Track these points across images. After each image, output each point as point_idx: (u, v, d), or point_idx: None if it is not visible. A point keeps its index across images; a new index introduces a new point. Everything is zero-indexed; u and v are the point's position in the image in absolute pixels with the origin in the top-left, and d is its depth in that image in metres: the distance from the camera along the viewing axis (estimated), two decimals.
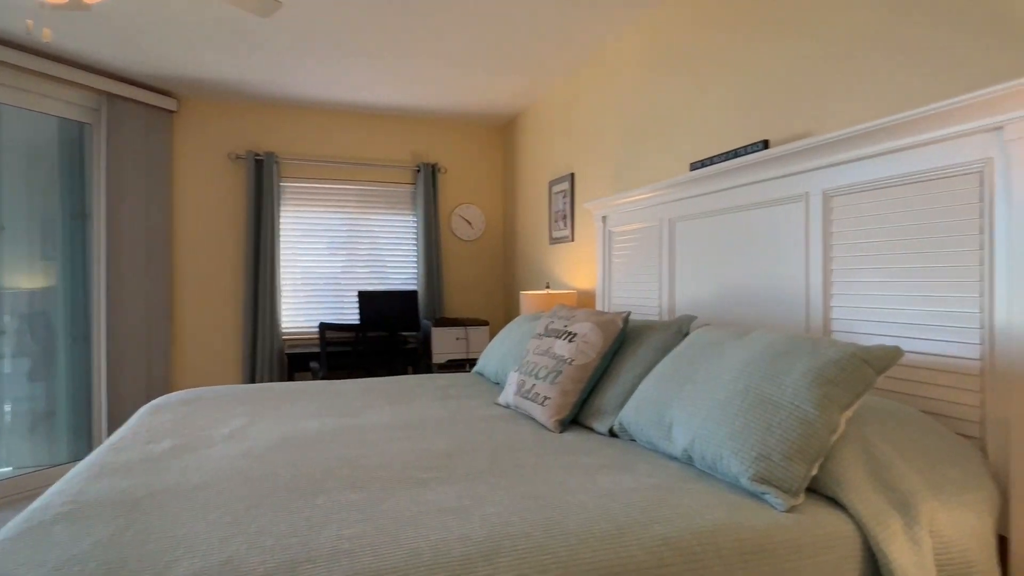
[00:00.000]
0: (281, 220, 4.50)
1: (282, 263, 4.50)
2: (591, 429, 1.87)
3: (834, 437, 1.27)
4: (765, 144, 2.05)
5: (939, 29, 1.61)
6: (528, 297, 3.43)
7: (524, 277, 4.64)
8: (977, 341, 1.43)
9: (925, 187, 1.56)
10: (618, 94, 3.23)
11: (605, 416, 1.84)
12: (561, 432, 1.84)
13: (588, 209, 3.27)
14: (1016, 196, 1.34)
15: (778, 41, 2.15)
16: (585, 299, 3.56)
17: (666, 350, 1.91)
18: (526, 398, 1.99)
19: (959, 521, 1.26)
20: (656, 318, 2.68)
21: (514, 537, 1.08)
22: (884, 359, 1.32)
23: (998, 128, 1.38)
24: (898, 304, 1.62)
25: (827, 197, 1.83)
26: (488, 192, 5.07)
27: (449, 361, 4.17)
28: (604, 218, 3.11)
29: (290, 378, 4.31)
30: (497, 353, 2.72)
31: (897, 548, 1.15)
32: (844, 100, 1.89)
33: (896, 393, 1.62)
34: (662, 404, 1.60)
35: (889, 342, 1.64)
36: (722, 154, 2.23)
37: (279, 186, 4.47)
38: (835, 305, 1.81)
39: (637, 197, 2.74)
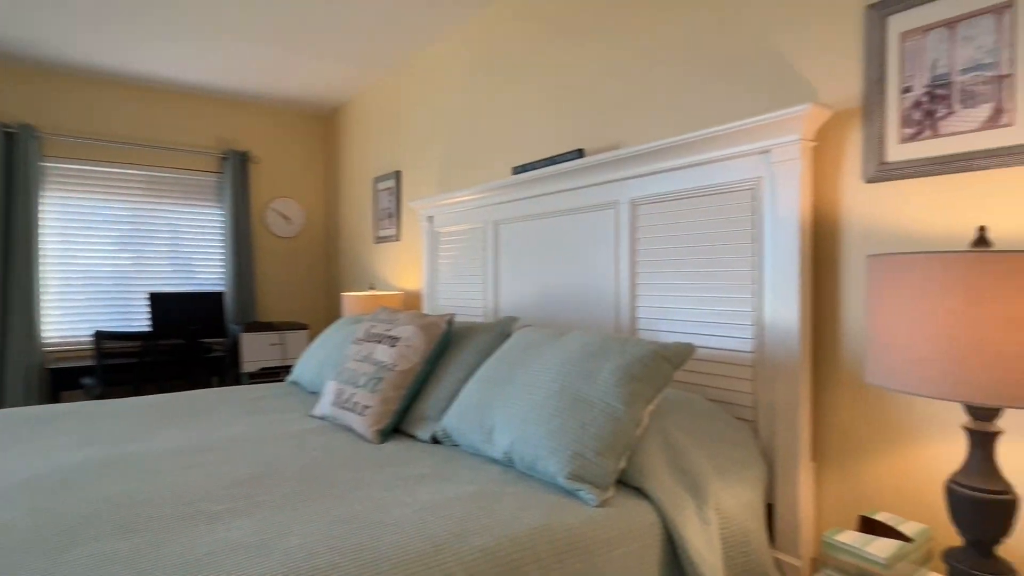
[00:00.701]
0: (43, 207, 3.73)
1: (45, 260, 3.73)
2: (414, 437, 1.80)
3: (639, 431, 1.35)
4: (580, 153, 2.16)
5: (727, 63, 1.82)
6: (350, 299, 3.25)
7: (348, 277, 4.41)
8: (750, 336, 1.64)
9: (711, 200, 1.74)
10: (446, 93, 3.20)
11: (428, 423, 1.78)
12: (381, 443, 1.74)
13: (414, 208, 3.19)
14: (780, 210, 1.55)
15: (592, 53, 2.28)
16: (412, 300, 3.48)
17: (489, 352, 1.91)
18: (344, 408, 1.86)
19: (739, 496, 1.42)
20: (481, 319, 2.69)
21: (320, 571, 0.97)
22: (680, 355, 1.45)
23: (766, 151, 1.59)
24: (691, 304, 1.80)
25: (634, 206, 1.98)
26: (308, 186, 4.73)
27: (263, 370, 3.80)
28: (430, 218, 3.06)
29: (54, 399, 3.59)
30: (315, 360, 2.52)
31: (691, 529, 1.26)
32: (648, 116, 2.06)
33: (688, 384, 1.80)
34: (484, 407, 1.58)
35: (684, 339, 1.82)
36: (541, 160, 2.30)
37: (39, 166, 3.69)
38: (640, 305, 1.96)
39: (463, 198, 2.73)
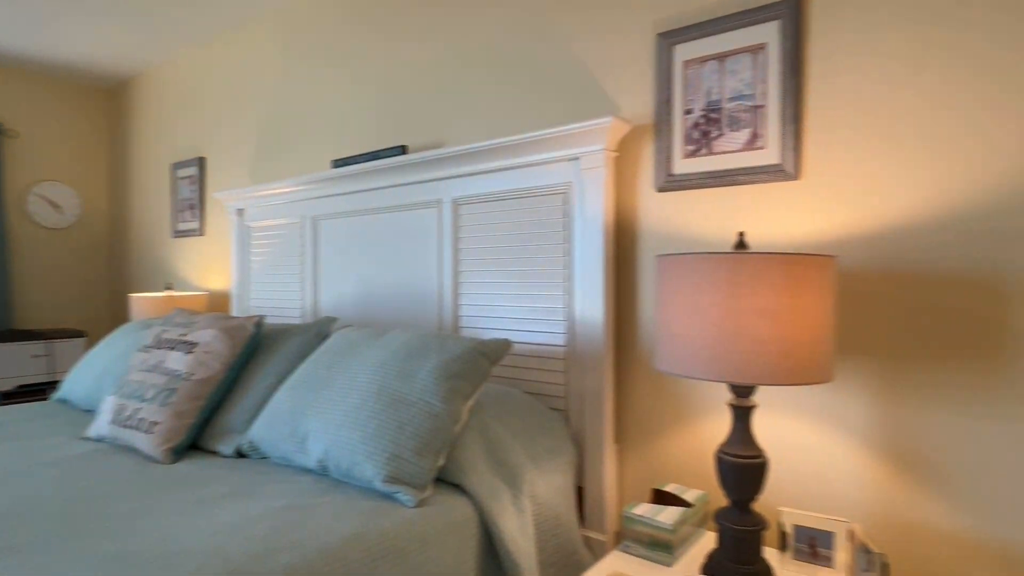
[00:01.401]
0: None
1: None
2: (215, 453, 1.62)
3: (458, 427, 1.36)
4: (403, 149, 2.13)
5: (541, 73, 1.92)
6: (141, 301, 2.84)
7: (139, 276, 3.85)
8: (563, 331, 1.75)
9: (528, 202, 1.83)
10: (258, 76, 2.95)
11: (232, 435, 1.62)
12: (173, 462, 1.54)
13: (221, 200, 2.89)
14: (587, 214, 1.68)
15: (414, 50, 2.26)
16: (219, 302, 3.15)
17: (304, 355, 1.79)
18: (126, 426, 1.61)
19: (551, 482, 1.50)
20: (299, 321, 2.53)
21: None
22: (497, 351, 1.49)
23: (575, 159, 1.70)
24: (511, 302, 1.87)
25: (456, 205, 2.00)
26: (87, 169, 4.04)
27: (21, 387, 3.16)
28: (240, 211, 2.79)
29: None
30: (91, 372, 2.15)
31: (506, 518, 1.30)
32: (469, 117, 2.10)
33: (507, 379, 1.87)
34: (297, 414, 1.48)
35: (504, 335, 1.88)
36: (363, 155, 2.23)
37: None
38: (463, 304, 1.99)
39: (278, 191, 2.54)
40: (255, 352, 1.83)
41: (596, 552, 1.63)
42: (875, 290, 1.33)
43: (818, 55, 1.41)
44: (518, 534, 1.30)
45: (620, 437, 1.72)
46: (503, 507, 1.31)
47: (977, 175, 1.22)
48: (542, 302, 1.79)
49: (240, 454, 1.59)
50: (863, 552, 1.18)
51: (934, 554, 1.26)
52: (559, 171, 1.74)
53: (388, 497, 1.27)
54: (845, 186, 1.37)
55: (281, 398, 1.56)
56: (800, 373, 1.10)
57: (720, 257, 1.11)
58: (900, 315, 1.30)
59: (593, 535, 1.65)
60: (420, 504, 1.24)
